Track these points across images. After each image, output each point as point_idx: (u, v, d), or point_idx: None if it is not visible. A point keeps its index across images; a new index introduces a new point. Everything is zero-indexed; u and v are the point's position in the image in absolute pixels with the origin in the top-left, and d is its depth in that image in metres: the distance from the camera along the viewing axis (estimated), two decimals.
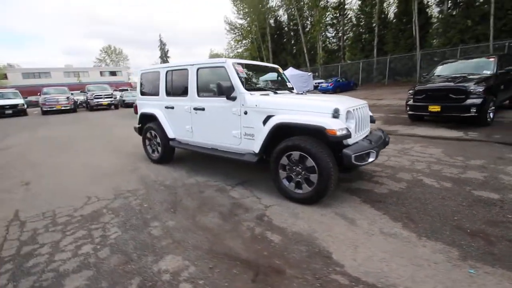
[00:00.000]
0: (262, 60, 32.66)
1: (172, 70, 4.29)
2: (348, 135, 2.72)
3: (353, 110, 3.00)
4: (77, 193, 3.60)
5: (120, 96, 19.34)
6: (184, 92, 4.12)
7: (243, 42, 38.91)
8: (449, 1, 19.93)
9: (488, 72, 6.84)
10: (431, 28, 21.62)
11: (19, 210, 3.18)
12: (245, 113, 3.37)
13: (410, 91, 7.32)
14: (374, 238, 2.30)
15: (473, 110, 6.21)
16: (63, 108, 16.31)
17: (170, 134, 4.39)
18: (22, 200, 3.48)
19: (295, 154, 2.90)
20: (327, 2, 28.43)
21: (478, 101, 6.17)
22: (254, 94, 3.43)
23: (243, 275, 1.93)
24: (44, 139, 8.04)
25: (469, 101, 6.23)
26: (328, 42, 30.02)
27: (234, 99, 3.42)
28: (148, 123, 4.79)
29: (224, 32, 46.32)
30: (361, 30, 25.57)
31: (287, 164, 3.03)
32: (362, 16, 25.33)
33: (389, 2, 25.16)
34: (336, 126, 2.64)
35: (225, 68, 3.52)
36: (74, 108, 16.97)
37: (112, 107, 17.81)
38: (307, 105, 3.00)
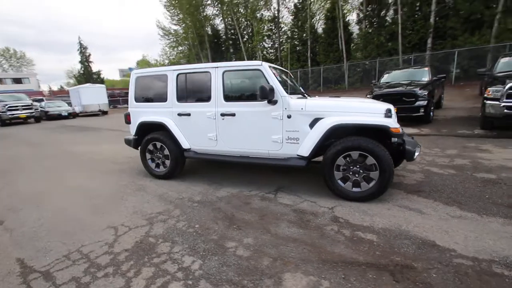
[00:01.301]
0: None
1: (186, 73, 3.85)
2: (404, 133, 2.97)
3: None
4: (92, 225, 2.85)
5: (41, 107, 16.02)
6: (204, 97, 3.75)
7: (180, 49, 37.44)
8: (366, 21, 23.61)
9: (426, 79, 8.38)
10: (354, 43, 25.13)
11: (22, 258, 2.33)
12: (289, 116, 3.30)
13: (369, 96, 8.35)
14: (451, 221, 2.55)
15: (422, 110, 7.50)
16: None
17: (185, 144, 3.91)
18: (13, 245, 2.56)
19: (354, 154, 2.99)
20: (262, 15, 30.01)
21: (424, 103, 7.49)
22: (293, 97, 3.39)
23: (382, 278, 1.89)
24: None
25: (418, 103, 7.50)
26: (265, 52, 31.55)
27: (275, 102, 3.31)
28: (149, 133, 4.16)
29: (157, 37, 43.37)
30: (295, 42, 27.79)
31: (342, 165, 3.09)
32: (295, 30, 27.60)
33: (318, 19, 28.25)
34: (397, 125, 2.85)
35: (262, 71, 3.38)
36: None
37: (32, 120, 14.58)
38: (357, 107, 3.14)
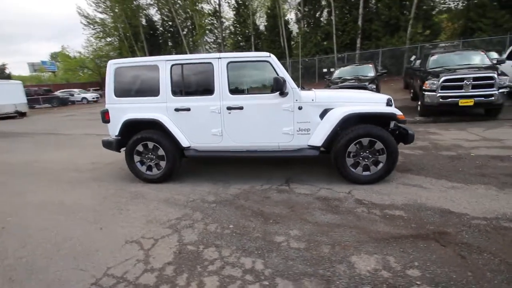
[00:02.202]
0: None
1: (181, 64, 3.51)
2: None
3: None
4: (104, 243, 2.40)
5: None
6: (206, 90, 3.50)
7: (108, 40, 33.41)
8: (304, 21, 25.21)
9: (372, 74, 9.49)
10: (294, 41, 26.58)
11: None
12: (300, 108, 3.36)
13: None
14: (449, 192, 3.01)
15: None
16: None
17: (184, 142, 3.59)
18: (9, 286, 1.97)
19: (364, 141, 3.24)
20: (202, 8, 29.09)
21: None
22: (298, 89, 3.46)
23: (431, 245, 2.12)
24: None
25: None
26: (208, 47, 30.77)
27: (286, 94, 3.32)
28: (137, 132, 3.67)
29: (79, 26, 37.41)
30: (239, 38, 27.88)
31: (353, 151, 3.31)
32: (238, 26, 27.66)
33: (259, 16, 28.85)
34: (400, 112, 3.19)
35: (270, 63, 3.34)
36: None
37: None
38: (362, 97, 3.41)
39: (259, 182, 3.64)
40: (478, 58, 7.55)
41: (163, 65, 3.54)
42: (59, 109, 21.36)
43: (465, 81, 6.45)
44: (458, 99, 6.42)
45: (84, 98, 26.50)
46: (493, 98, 6.31)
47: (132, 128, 3.69)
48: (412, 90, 10.31)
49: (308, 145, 3.45)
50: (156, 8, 30.67)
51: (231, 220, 2.71)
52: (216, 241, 2.36)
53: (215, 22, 29.52)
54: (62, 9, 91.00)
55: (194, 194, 3.38)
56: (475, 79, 6.38)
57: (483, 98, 6.26)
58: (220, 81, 3.43)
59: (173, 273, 1.98)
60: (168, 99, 3.56)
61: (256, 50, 27.47)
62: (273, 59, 3.35)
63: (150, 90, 3.62)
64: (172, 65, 3.52)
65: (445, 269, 1.85)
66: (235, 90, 3.47)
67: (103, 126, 4.06)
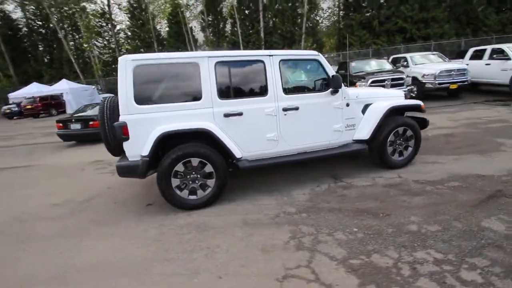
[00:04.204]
0: None
1: (228, 61, 2.97)
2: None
3: None
4: None
5: None
6: (258, 90, 3.11)
7: None
8: (209, 30, 25.43)
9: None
10: (202, 49, 26.35)
11: None
12: (347, 105, 3.49)
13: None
14: (460, 162, 3.81)
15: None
16: None
17: (237, 152, 3.04)
18: None
19: (400, 129, 3.68)
20: (85, 8, 24.70)
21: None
22: None
23: (509, 201, 2.68)
24: None
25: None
26: (99, 52, 26.23)
27: (336, 92, 3.38)
28: (173, 149, 2.84)
29: None
30: (138, 43, 25.18)
31: (392, 140, 3.70)
32: (136, 30, 24.99)
33: (157, 21, 26.99)
34: (423, 103, 3.81)
35: (319, 61, 3.33)
36: None
37: None
38: (389, 93, 3.88)
39: (311, 184, 3.51)
40: (383, 64, 9.79)
41: (205, 63, 2.90)
42: None
43: (386, 81, 8.24)
44: None
45: None
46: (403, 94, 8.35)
47: (168, 142, 2.84)
48: None
49: (353, 140, 3.62)
50: (15, 5, 23.73)
51: (345, 223, 2.54)
52: (368, 246, 2.17)
53: (106, 24, 25.58)
54: None
55: (267, 210, 2.92)
56: (392, 79, 8.28)
57: None
58: (274, 80, 3.13)
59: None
60: (214, 103, 2.94)
61: None
62: (321, 57, 3.34)
63: (187, 93, 2.91)
64: (217, 63, 2.94)
65: None
66: (288, 90, 3.24)
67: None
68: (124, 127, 2.72)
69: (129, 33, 25.51)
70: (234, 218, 2.80)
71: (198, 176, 2.98)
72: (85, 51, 24.41)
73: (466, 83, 8.94)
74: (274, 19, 24.29)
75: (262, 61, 3.10)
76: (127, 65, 2.72)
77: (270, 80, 3.12)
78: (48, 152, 7.10)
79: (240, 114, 3.02)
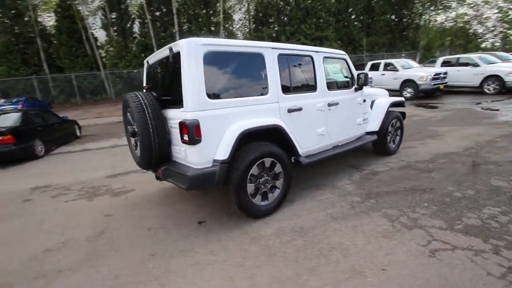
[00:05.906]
0: None
1: (287, 54, 2.83)
2: None
3: None
4: None
5: None
6: (309, 86, 3.10)
7: None
8: (113, 28, 22.21)
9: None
10: (105, 49, 22.70)
11: None
12: (364, 101, 3.92)
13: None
14: (427, 145, 4.89)
15: None
16: None
17: (299, 149, 2.93)
18: None
19: (394, 121, 4.40)
20: None
21: None
22: None
23: (492, 166, 3.68)
24: None
25: None
26: None
27: (360, 89, 3.76)
28: (252, 148, 2.49)
29: None
30: (11, 38, 19.36)
31: (389, 131, 4.37)
32: (7, 21, 19.17)
33: (39, 13, 21.65)
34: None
35: (346, 60, 3.62)
36: None
37: None
38: (380, 91, 4.53)
39: (343, 175, 3.73)
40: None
41: (270, 54, 2.68)
42: None
43: None
44: None
45: None
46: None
47: (245, 141, 2.45)
48: None
49: (366, 132, 4.08)
50: None
51: (411, 201, 2.86)
52: (451, 213, 2.54)
53: None
54: None
55: (338, 203, 2.93)
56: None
57: None
58: (320, 76, 3.19)
59: None
60: (279, 98, 2.75)
61: (48, 57, 20.59)
62: (347, 57, 3.64)
63: (255, 86, 2.60)
64: (279, 55, 2.76)
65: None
66: (329, 86, 3.35)
67: None
68: (197, 126, 2.19)
69: None
70: (318, 216, 2.69)
71: (269, 178, 2.70)
72: None
73: (446, 83, 10.66)
74: (189, 24, 23.61)
75: (311, 57, 3.12)
76: (197, 50, 2.21)
77: (318, 76, 3.18)
78: None
79: (300, 109, 2.94)
